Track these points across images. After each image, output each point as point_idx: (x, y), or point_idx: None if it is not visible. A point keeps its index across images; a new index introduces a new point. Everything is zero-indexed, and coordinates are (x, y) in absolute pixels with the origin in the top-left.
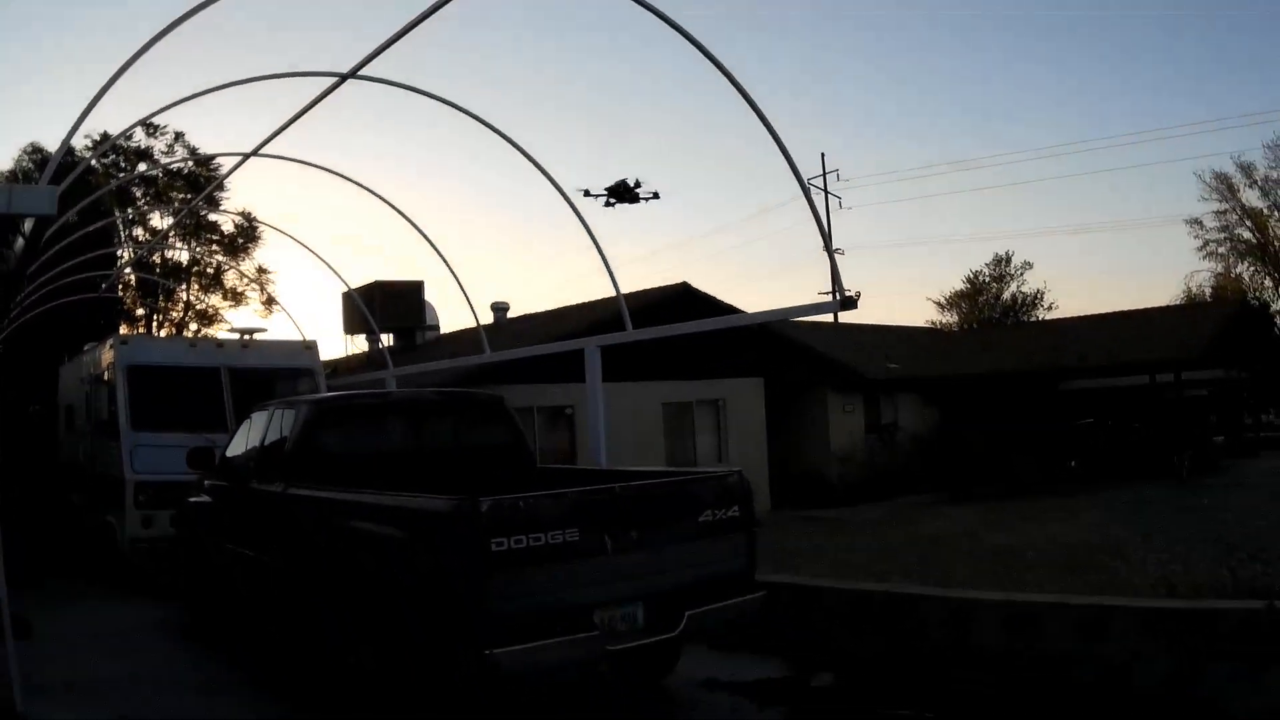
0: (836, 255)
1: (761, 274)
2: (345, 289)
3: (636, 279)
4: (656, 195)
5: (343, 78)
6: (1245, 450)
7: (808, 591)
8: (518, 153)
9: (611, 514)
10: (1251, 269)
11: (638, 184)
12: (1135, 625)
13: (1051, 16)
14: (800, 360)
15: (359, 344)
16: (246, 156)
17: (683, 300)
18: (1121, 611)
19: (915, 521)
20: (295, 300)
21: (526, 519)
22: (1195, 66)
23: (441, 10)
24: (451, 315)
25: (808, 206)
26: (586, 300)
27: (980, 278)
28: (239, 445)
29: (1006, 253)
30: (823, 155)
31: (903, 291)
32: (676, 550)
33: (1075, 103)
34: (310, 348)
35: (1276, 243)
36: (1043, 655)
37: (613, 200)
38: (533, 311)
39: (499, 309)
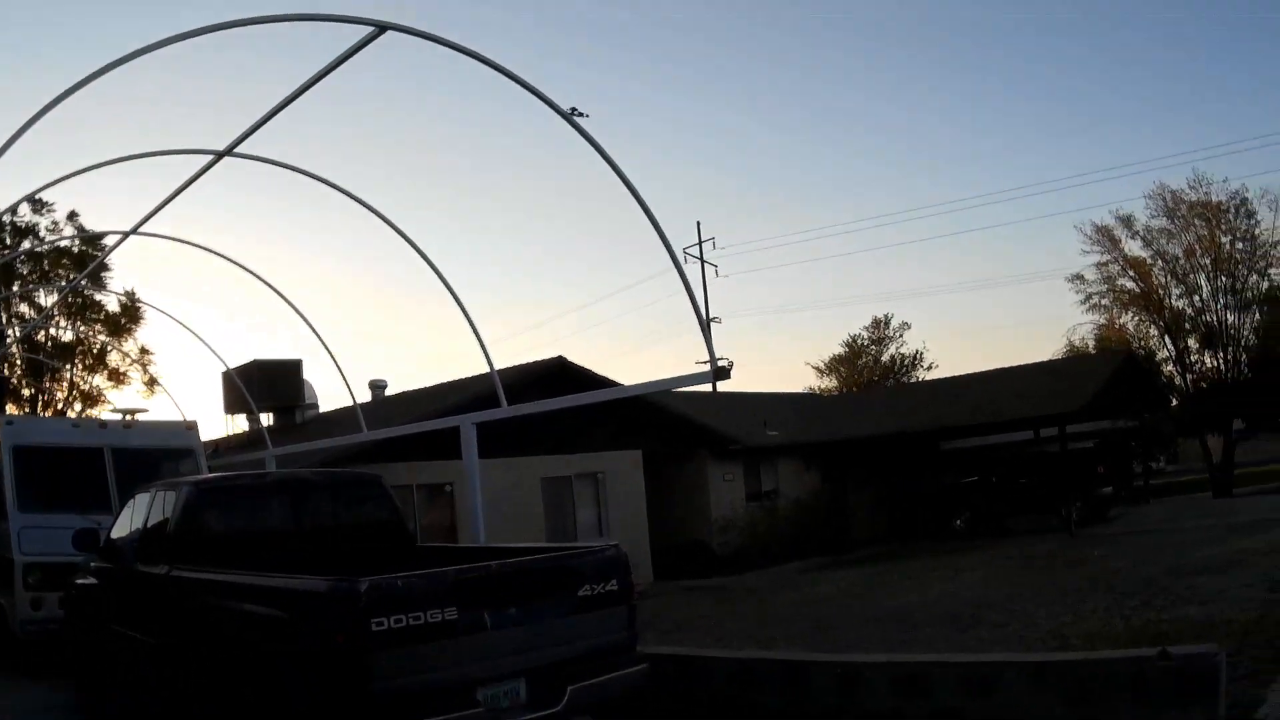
0: (713, 324)
1: (640, 344)
2: (225, 369)
3: (515, 353)
4: None
5: (219, 155)
6: (1136, 499)
7: (693, 662)
8: (393, 230)
9: (491, 591)
10: (1136, 319)
11: None
12: (1025, 679)
13: (926, 77)
14: (679, 430)
15: (239, 423)
16: (126, 235)
17: (559, 374)
18: (1011, 666)
19: (800, 587)
20: (176, 379)
21: (406, 598)
22: (1065, 123)
23: (321, 87)
24: (331, 393)
25: (690, 276)
26: (463, 377)
27: (859, 341)
28: (123, 527)
29: (885, 315)
30: (698, 224)
31: (783, 357)
32: (557, 625)
33: (949, 163)
34: (191, 428)
35: (1160, 291)
36: (934, 713)
37: None
38: (411, 389)
39: (377, 386)
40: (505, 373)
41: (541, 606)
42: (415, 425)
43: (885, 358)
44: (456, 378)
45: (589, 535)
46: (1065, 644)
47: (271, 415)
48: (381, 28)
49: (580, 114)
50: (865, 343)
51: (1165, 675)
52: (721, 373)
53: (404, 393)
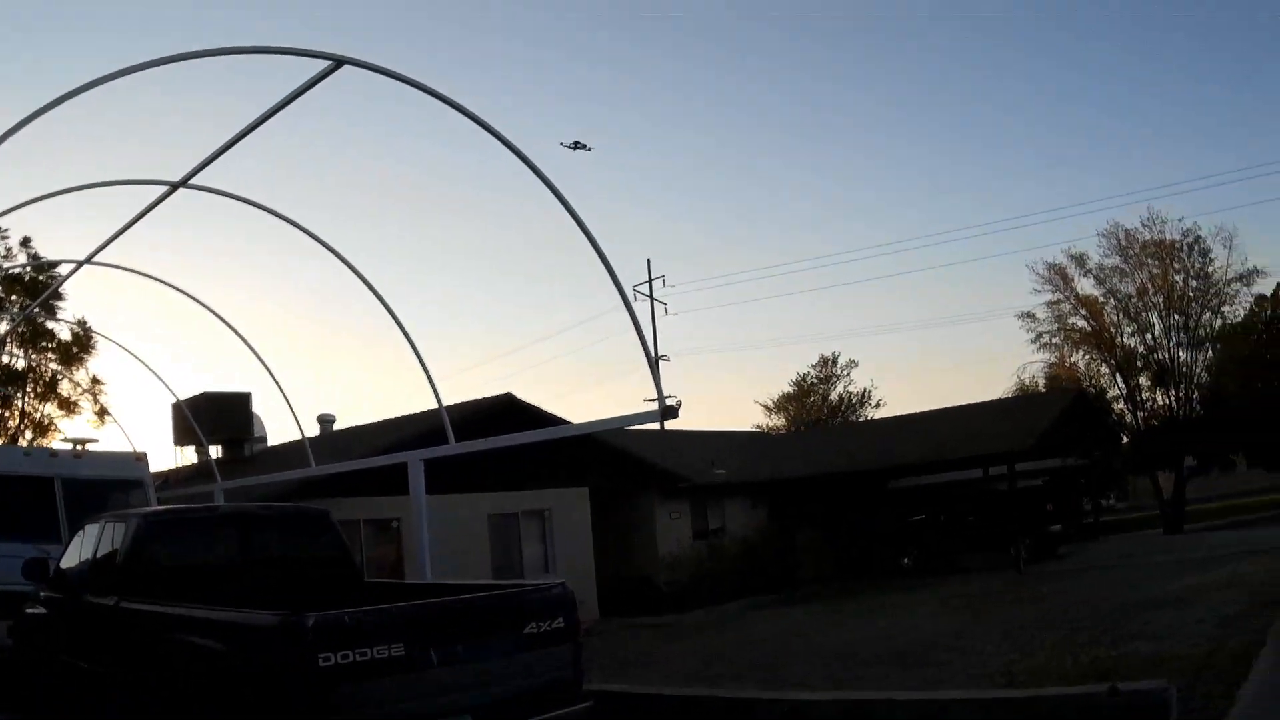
0: (663, 362)
1: (590, 381)
2: (175, 400)
3: (464, 389)
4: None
5: (174, 186)
6: (1086, 536)
7: (639, 699)
8: (344, 264)
9: (437, 628)
10: (1087, 357)
11: None
12: (973, 716)
13: (875, 114)
14: (627, 468)
15: (188, 455)
16: (80, 264)
17: (507, 411)
18: (959, 704)
19: (747, 624)
20: (127, 410)
21: (353, 634)
22: (1016, 163)
23: (280, 121)
24: (280, 426)
25: (640, 314)
26: (412, 412)
27: (807, 379)
28: (73, 557)
29: (833, 353)
30: (649, 261)
31: (732, 395)
32: (503, 663)
33: (899, 203)
34: (141, 459)
35: (1112, 329)
36: None
37: None
38: (359, 424)
39: (325, 421)
40: (454, 409)
41: (488, 644)
42: (363, 461)
43: (833, 396)
44: (405, 413)
45: (535, 572)
46: (1013, 681)
47: (220, 448)
48: (339, 62)
49: (584, 147)
50: (813, 381)
51: (1115, 711)
52: (669, 411)
53: (352, 427)
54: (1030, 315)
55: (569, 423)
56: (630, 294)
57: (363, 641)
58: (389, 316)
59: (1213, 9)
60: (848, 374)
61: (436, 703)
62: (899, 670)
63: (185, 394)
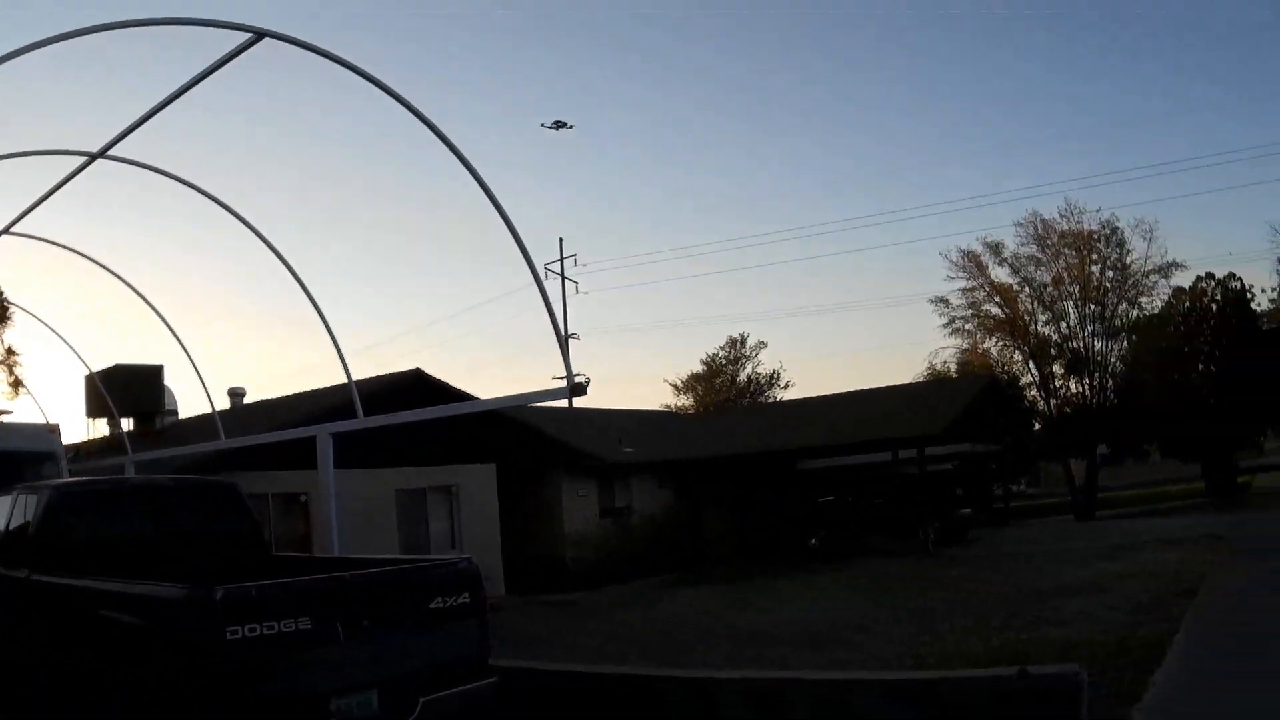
0: (572, 340)
1: (501, 358)
2: (87, 372)
3: (374, 364)
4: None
5: (92, 157)
6: (996, 521)
7: (545, 676)
8: (258, 237)
9: (344, 602)
10: (1000, 344)
11: None
12: (881, 698)
13: (794, 97)
14: (535, 445)
15: (101, 428)
16: None
17: (416, 387)
18: (864, 685)
19: (654, 603)
20: (42, 382)
21: (261, 607)
22: (934, 150)
23: (202, 93)
24: (192, 399)
25: (551, 291)
26: (322, 386)
27: (716, 360)
28: None
29: (742, 334)
30: (561, 240)
31: (642, 375)
32: (409, 637)
33: (813, 187)
34: (54, 431)
35: (1026, 317)
36: None
37: None
38: (270, 397)
39: (236, 394)
40: (363, 384)
41: (394, 618)
42: (272, 434)
43: (742, 377)
44: (316, 387)
45: (443, 548)
46: (922, 663)
47: (132, 421)
48: (259, 34)
49: (565, 125)
50: (722, 361)
51: (1025, 695)
52: (578, 389)
53: (263, 401)
54: (944, 301)
55: (477, 399)
56: (541, 272)
57: (270, 615)
58: (302, 290)
59: (1136, 4)
60: (757, 355)
61: (344, 677)
62: (807, 651)
63: (99, 367)
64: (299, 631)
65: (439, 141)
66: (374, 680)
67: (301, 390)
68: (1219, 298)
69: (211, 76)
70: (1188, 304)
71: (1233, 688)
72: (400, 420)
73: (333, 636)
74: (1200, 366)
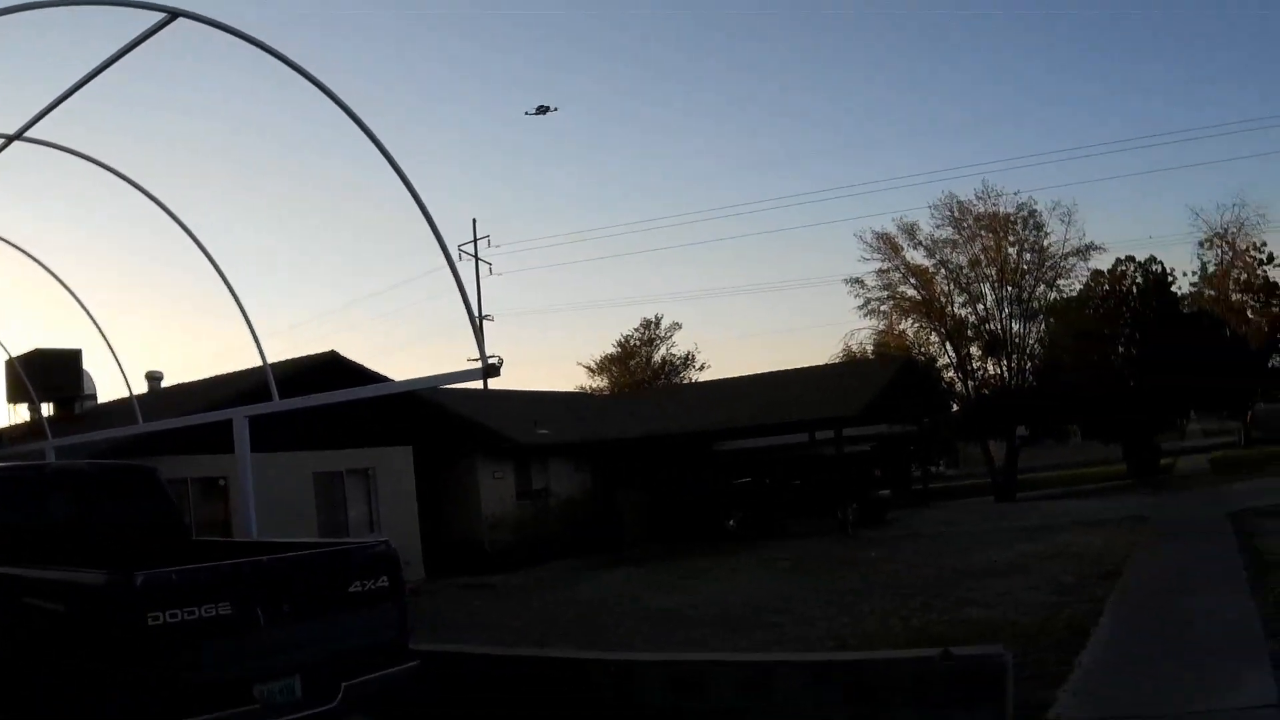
0: (487, 322)
1: (416, 340)
2: (7, 357)
3: (291, 347)
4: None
5: (9, 139)
6: (915, 502)
7: (466, 660)
8: (173, 220)
9: (263, 586)
10: (916, 325)
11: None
12: (803, 679)
13: (712, 81)
14: (451, 427)
15: (22, 413)
16: None
17: (331, 369)
18: (787, 666)
19: (573, 585)
20: None
21: (182, 592)
22: (853, 131)
23: (120, 74)
24: (112, 384)
25: (465, 273)
26: (238, 369)
27: (631, 341)
28: None
29: (656, 315)
30: (474, 221)
31: (557, 356)
32: (329, 622)
33: (729, 167)
34: None
35: (943, 299)
36: (712, 713)
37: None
38: (187, 381)
39: (154, 378)
40: (279, 366)
41: (313, 602)
42: (189, 418)
43: (656, 359)
44: (233, 370)
45: (361, 531)
46: (843, 645)
47: (51, 406)
48: (174, 14)
49: (550, 109)
50: (636, 343)
51: (949, 676)
52: (491, 370)
53: (181, 385)
54: (859, 282)
55: (393, 381)
56: (455, 253)
57: (191, 600)
58: (217, 273)
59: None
60: (671, 337)
61: (266, 662)
62: (727, 633)
63: (19, 351)
64: (220, 617)
65: (354, 123)
66: (296, 666)
67: (219, 373)
68: (1139, 280)
69: (130, 57)
70: (1107, 286)
71: (1156, 668)
72: (316, 402)
73: (253, 622)
74: (1120, 349)
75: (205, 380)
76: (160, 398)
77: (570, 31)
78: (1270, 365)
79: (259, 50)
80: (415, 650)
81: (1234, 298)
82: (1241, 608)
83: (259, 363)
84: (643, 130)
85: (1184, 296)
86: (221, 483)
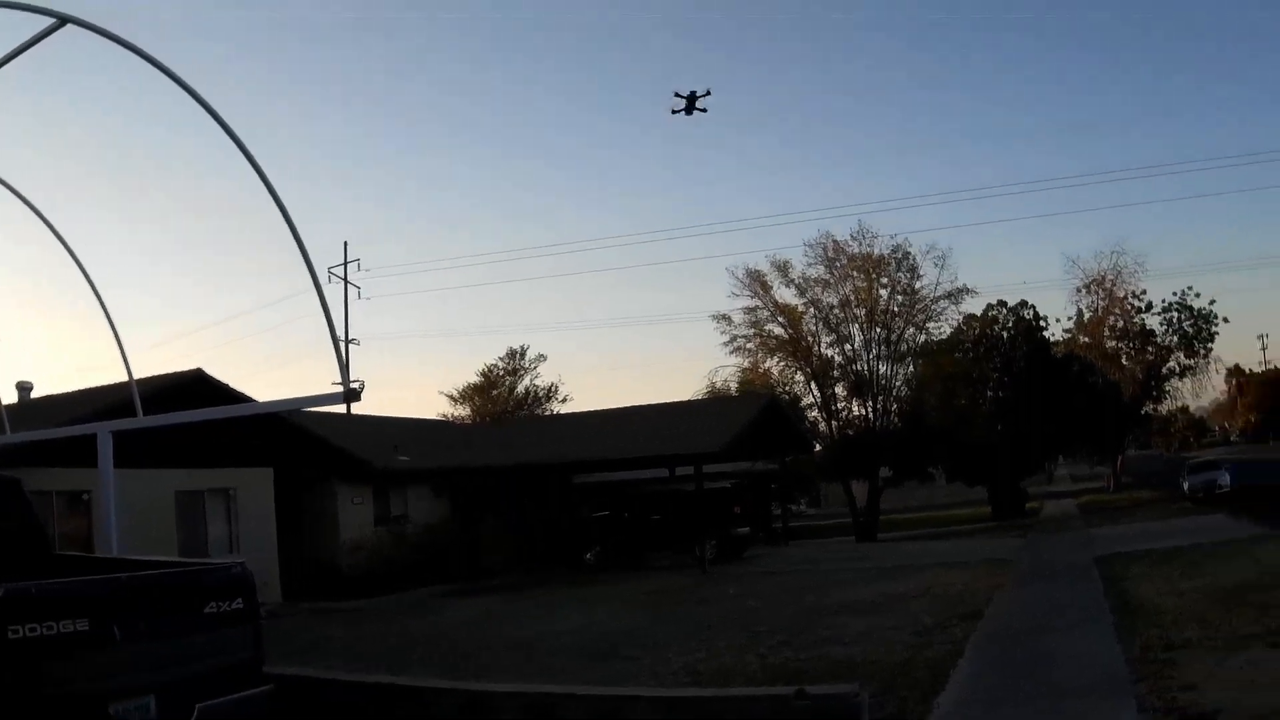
0: (352, 346)
1: (282, 361)
2: None
3: (159, 363)
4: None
5: None
6: (775, 540)
7: (321, 685)
8: (47, 228)
9: (121, 604)
10: (782, 364)
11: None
12: (657, 714)
13: (590, 112)
14: (313, 451)
15: None
16: None
17: (197, 387)
18: (643, 701)
19: (430, 612)
20: None
21: (41, 606)
22: (728, 169)
23: (10, 79)
24: None
25: (333, 295)
26: (105, 384)
27: (495, 371)
28: None
29: (522, 346)
30: (345, 244)
31: (423, 383)
32: (185, 642)
33: (604, 199)
34: None
35: (810, 338)
36: None
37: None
38: (58, 392)
39: (24, 388)
40: (145, 382)
41: (169, 622)
42: (53, 430)
43: (520, 389)
44: (102, 384)
45: (221, 551)
46: (699, 680)
47: None
48: (63, 20)
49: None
50: (501, 373)
51: (804, 714)
52: (353, 394)
53: (50, 396)
54: (726, 319)
55: (256, 401)
56: (324, 275)
57: (50, 615)
58: (88, 284)
59: (949, 38)
60: (535, 368)
61: (122, 681)
62: (583, 665)
63: None
64: (78, 633)
65: (231, 141)
66: (151, 686)
67: (87, 387)
68: (1010, 325)
69: (18, 63)
70: (978, 330)
71: (1017, 710)
72: (180, 420)
73: (110, 639)
74: (990, 393)
75: (73, 393)
76: (29, 408)
77: (453, 58)
78: (1143, 412)
79: (146, 62)
80: (270, 674)
81: (1108, 344)
82: (1108, 651)
83: (125, 378)
84: (522, 159)
85: (1057, 342)
86: (85, 497)
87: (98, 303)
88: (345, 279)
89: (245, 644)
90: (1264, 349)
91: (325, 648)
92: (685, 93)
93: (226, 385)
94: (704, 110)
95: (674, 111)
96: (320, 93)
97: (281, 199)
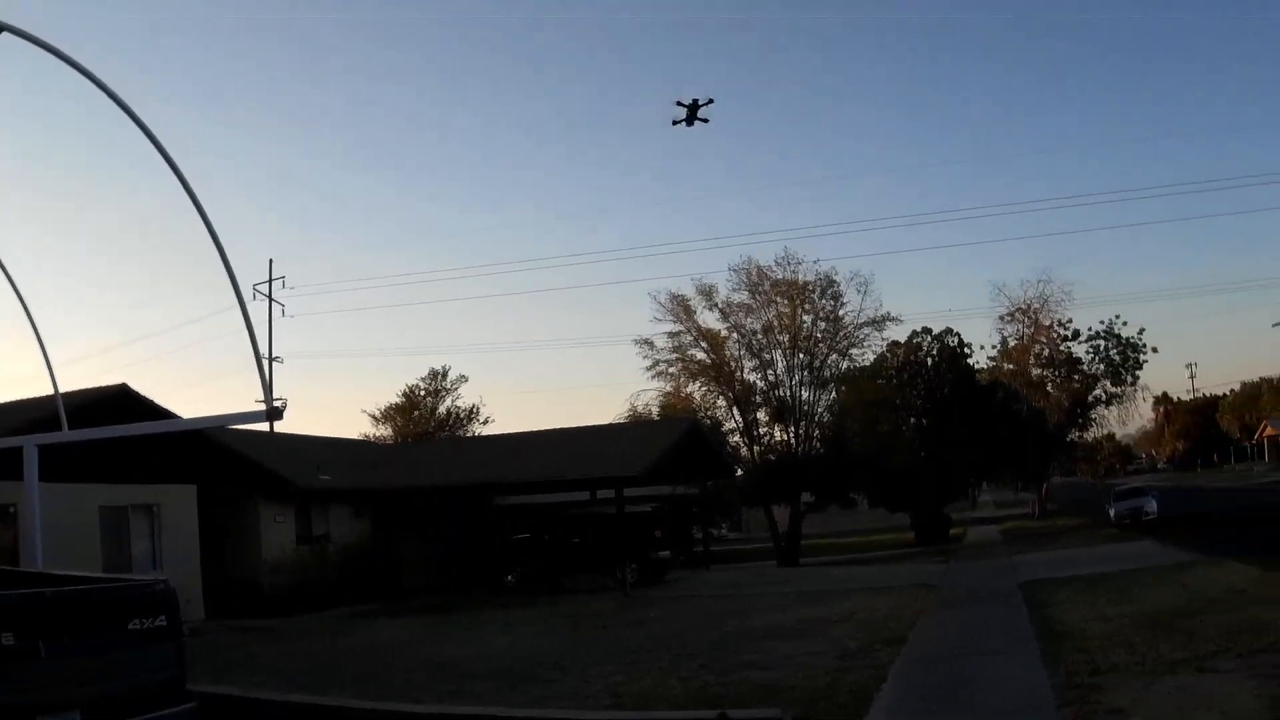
0: (276, 364)
1: (210, 378)
2: None
3: (84, 377)
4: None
5: None
6: (697, 563)
7: (243, 703)
8: None
9: (46, 619)
10: (704, 388)
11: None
12: None
13: (517, 135)
14: (236, 468)
15: None
16: None
17: (122, 403)
18: None
19: (352, 632)
20: None
21: None
22: (658, 192)
23: None
24: None
25: (258, 312)
26: (30, 397)
27: (417, 391)
28: None
29: (443, 367)
30: (270, 261)
31: (347, 402)
32: (109, 658)
33: (529, 222)
34: None
35: (733, 364)
36: None
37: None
38: None
39: None
40: (70, 397)
41: (94, 638)
42: None
43: (441, 410)
44: (27, 397)
45: (145, 568)
46: (620, 703)
47: None
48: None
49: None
50: (422, 393)
51: None
52: (275, 412)
53: None
54: (649, 343)
55: (181, 418)
56: (249, 293)
57: None
58: (16, 297)
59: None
60: (457, 389)
61: (47, 696)
62: (504, 687)
63: None
64: (4, 647)
65: (159, 154)
66: (76, 701)
67: (11, 400)
68: (934, 353)
69: None
70: (902, 357)
71: None
72: (105, 435)
73: (35, 654)
74: (913, 419)
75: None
76: None
77: (379, 77)
78: (1069, 439)
79: (78, 73)
80: (194, 691)
81: (1034, 372)
82: (1033, 676)
83: (50, 391)
84: (443, 180)
85: (981, 370)
86: (11, 509)
87: (25, 315)
88: (270, 296)
89: (168, 661)
90: (1193, 377)
91: (249, 666)
92: (687, 101)
93: (151, 401)
94: (705, 120)
95: (675, 122)
96: (247, 109)
97: (208, 215)
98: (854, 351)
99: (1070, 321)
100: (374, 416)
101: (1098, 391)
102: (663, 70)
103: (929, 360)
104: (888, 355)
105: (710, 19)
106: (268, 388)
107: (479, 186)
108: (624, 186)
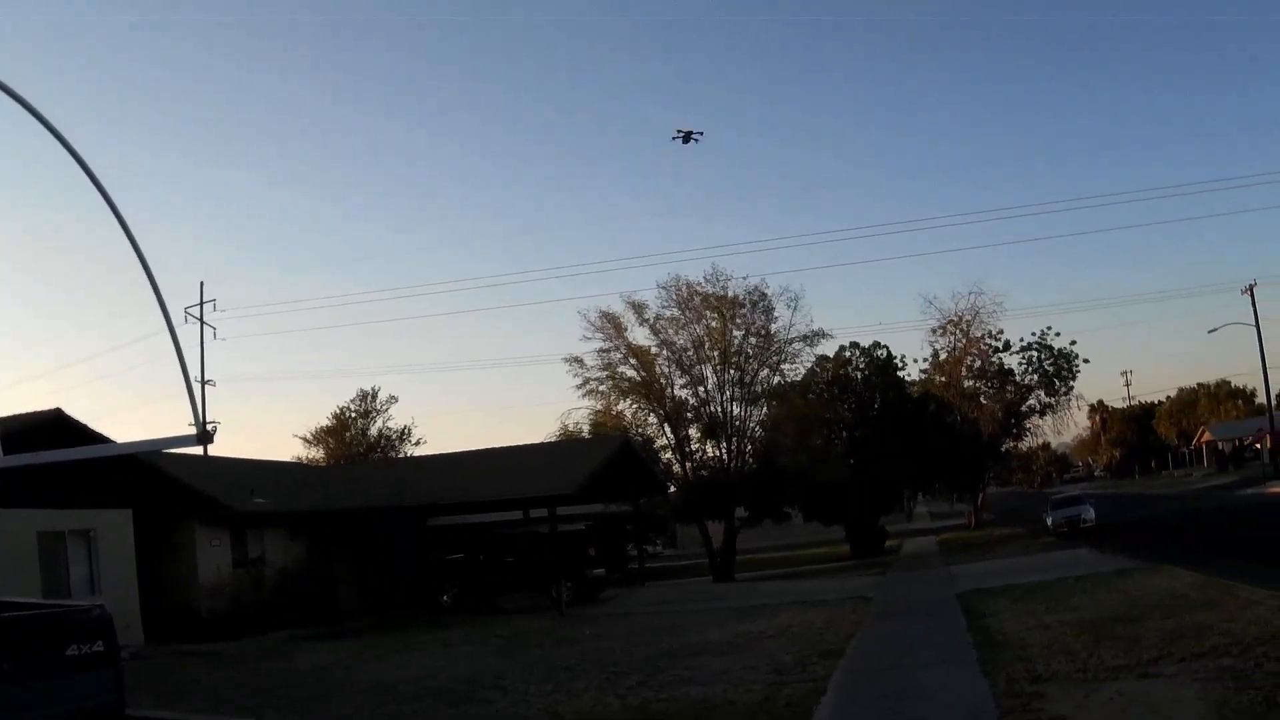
0: (209, 387)
1: (146, 401)
2: None
3: (13, 402)
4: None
5: None
6: (631, 581)
7: None
8: None
9: None
10: (635, 406)
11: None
12: None
13: (457, 152)
14: (171, 493)
15: None
16: None
17: (56, 427)
18: None
19: (289, 655)
20: None
21: None
22: (590, 210)
23: None
24: None
25: (189, 335)
26: None
27: (347, 413)
28: None
29: (373, 388)
30: (201, 284)
31: (280, 424)
32: (48, 684)
33: (464, 242)
34: None
35: (663, 380)
36: None
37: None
38: None
39: None
40: (5, 421)
41: (33, 664)
42: None
43: (373, 431)
44: None
45: (83, 593)
46: None
47: None
48: None
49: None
50: (353, 415)
51: None
52: (206, 435)
53: None
54: (579, 361)
55: (115, 442)
56: (181, 315)
57: None
58: None
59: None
60: (388, 410)
61: None
62: (442, 707)
63: None
64: None
65: (90, 181)
66: None
67: None
68: (863, 366)
69: None
70: (831, 372)
71: None
72: (41, 460)
73: None
74: (845, 433)
75: None
76: None
77: (315, 95)
78: (1003, 449)
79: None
80: (133, 717)
81: (967, 384)
82: (973, 685)
83: None
84: (371, 200)
85: (913, 382)
86: None
87: None
88: (201, 319)
89: (107, 686)
90: (1128, 385)
91: (189, 690)
92: (684, 130)
93: (85, 425)
94: (698, 141)
95: (673, 138)
96: (174, 128)
97: (136, 237)
98: (785, 367)
99: (1002, 333)
100: (306, 439)
101: (1031, 401)
102: (589, 92)
103: (858, 374)
104: (817, 370)
105: (642, 41)
106: (198, 411)
107: (405, 207)
108: (561, 204)
